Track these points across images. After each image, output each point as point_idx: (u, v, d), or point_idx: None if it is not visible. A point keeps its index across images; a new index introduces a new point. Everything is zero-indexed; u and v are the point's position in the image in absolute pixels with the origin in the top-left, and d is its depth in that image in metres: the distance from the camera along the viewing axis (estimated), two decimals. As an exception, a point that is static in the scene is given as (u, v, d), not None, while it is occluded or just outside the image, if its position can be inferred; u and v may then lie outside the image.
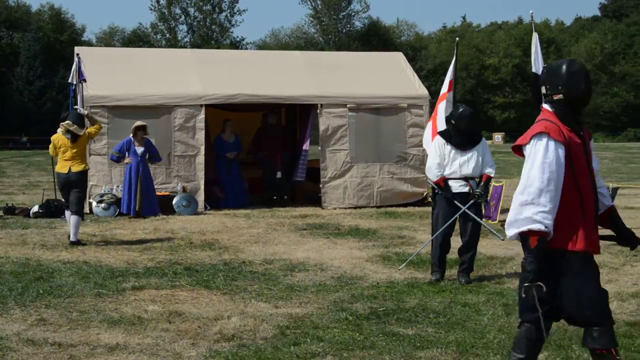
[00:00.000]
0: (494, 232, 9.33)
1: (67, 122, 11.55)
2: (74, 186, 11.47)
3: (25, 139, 56.82)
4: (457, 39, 14.91)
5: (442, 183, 8.79)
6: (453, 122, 8.91)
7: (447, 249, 8.96)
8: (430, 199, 14.93)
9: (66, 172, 11.47)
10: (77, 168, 11.48)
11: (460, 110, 8.85)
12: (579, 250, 4.56)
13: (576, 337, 6.43)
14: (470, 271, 8.88)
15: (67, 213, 11.68)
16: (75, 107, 12.87)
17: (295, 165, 16.72)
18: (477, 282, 8.70)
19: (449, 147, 8.83)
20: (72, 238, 11.32)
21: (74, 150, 11.51)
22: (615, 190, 11.86)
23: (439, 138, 8.99)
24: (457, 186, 8.80)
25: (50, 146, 11.80)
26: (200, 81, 16.20)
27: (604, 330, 4.56)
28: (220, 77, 16.54)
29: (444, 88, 13.50)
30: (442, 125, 12.68)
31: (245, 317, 7.10)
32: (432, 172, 8.87)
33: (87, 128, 11.94)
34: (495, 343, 6.26)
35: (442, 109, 13.08)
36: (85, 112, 12.53)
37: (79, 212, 11.41)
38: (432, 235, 9.02)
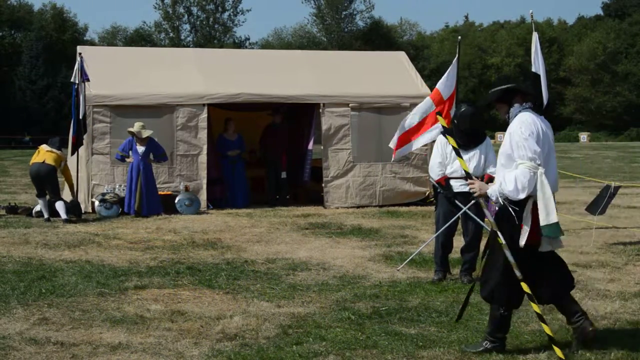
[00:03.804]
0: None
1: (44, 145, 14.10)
2: (45, 178, 13.73)
3: (27, 138, 56.86)
4: (460, 37, 14.88)
5: (444, 182, 8.80)
6: (455, 121, 8.92)
7: (449, 248, 8.97)
8: (432, 199, 14.93)
9: (40, 162, 13.78)
10: (49, 161, 13.76)
11: (462, 109, 8.84)
12: None
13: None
14: (473, 270, 8.88)
15: (40, 200, 13.91)
16: (57, 138, 14.71)
17: (303, 165, 16.72)
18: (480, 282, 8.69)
19: (450, 146, 8.81)
20: (63, 217, 13.59)
21: (51, 152, 13.88)
22: (616, 189, 11.85)
23: (441, 137, 8.99)
24: (457, 185, 8.79)
25: (35, 153, 14.21)
26: (202, 80, 16.21)
27: None
28: (222, 76, 16.54)
29: (447, 93, 13.29)
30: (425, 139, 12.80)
31: (248, 317, 7.10)
32: (434, 171, 8.89)
33: (64, 160, 14.21)
34: (498, 342, 6.26)
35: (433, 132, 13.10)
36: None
37: (60, 198, 13.93)
38: (434, 235, 9.02)
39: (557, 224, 5.78)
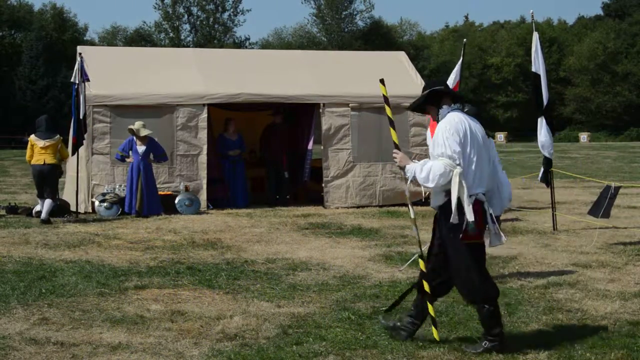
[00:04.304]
0: None
1: (36, 139, 13.93)
2: (48, 177, 13.76)
3: (27, 138, 56.74)
4: (465, 40, 14.94)
5: None
6: None
7: None
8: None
9: (41, 163, 13.75)
10: (50, 161, 13.78)
11: (466, 110, 8.79)
12: None
13: (579, 337, 6.43)
14: None
15: (41, 201, 13.82)
16: (44, 115, 14.76)
17: (303, 165, 16.73)
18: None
19: None
20: (43, 216, 13.52)
21: (47, 148, 13.79)
22: (617, 189, 11.82)
23: None
24: None
25: (28, 148, 14.08)
26: (202, 80, 16.21)
27: None
28: (222, 76, 16.54)
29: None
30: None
31: (248, 317, 7.10)
32: None
33: (61, 143, 14.04)
34: (498, 342, 6.25)
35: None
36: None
37: (54, 198, 13.89)
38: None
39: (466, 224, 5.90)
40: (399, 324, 6.39)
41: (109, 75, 15.84)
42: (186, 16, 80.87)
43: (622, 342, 6.25)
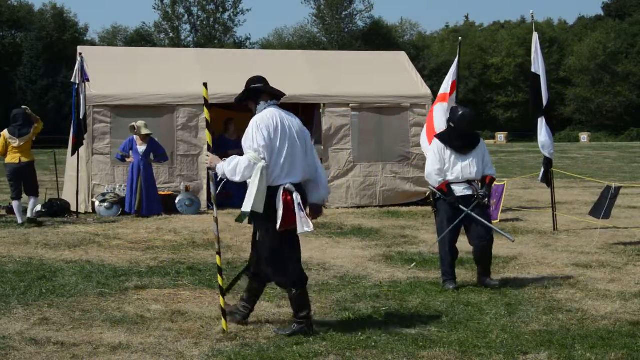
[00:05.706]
0: (505, 234, 9.05)
1: (10, 137, 13.34)
2: (26, 175, 13.41)
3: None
4: (460, 38, 14.94)
5: (445, 188, 8.47)
6: (452, 124, 8.68)
7: (456, 255, 8.61)
8: (432, 199, 14.90)
9: (17, 162, 13.32)
10: (25, 159, 13.38)
11: (461, 112, 8.67)
12: None
13: (579, 337, 6.44)
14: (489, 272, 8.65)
15: (16, 203, 13.41)
16: (23, 106, 14.16)
17: None
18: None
19: (449, 151, 8.54)
20: (29, 214, 13.28)
21: (22, 144, 13.33)
22: (617, 189, 11.82)
23: (437, 142, 8.68)
24: (460, 190, 8.49)
25: (0, 143, 13.41)
26: (202, 80, 16.15)
27: None
28: (223, 76, 16.51)
29: (446, 89, 13.54)
30: (440, 127, 12.52)
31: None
32: (433, 178, 8.56)
33: (34, 127, 13.54)
34: (498, 342, 6.26)
35: (440, 109, 13.01)
36: (28, 110, 13.95)
37: (37, 194, 13.61)
38: (438, 240, 8.68)
39: (248, 212, 6.28)
40: (234, 308, 6.75)
41: (109, 75, 15.83)
42: (186, 16, 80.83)
43: (622, 342, 6.26)
